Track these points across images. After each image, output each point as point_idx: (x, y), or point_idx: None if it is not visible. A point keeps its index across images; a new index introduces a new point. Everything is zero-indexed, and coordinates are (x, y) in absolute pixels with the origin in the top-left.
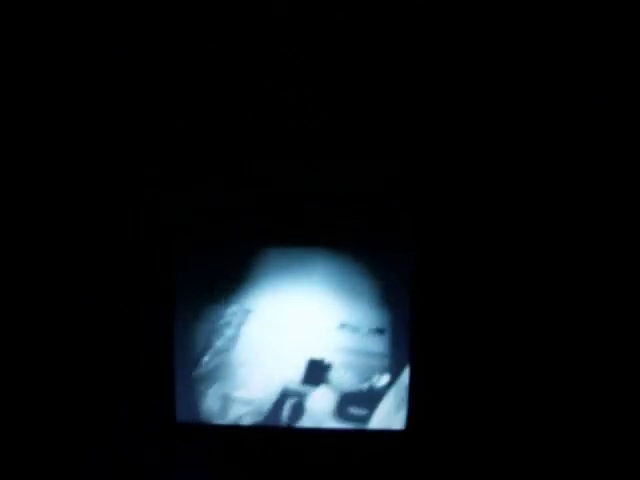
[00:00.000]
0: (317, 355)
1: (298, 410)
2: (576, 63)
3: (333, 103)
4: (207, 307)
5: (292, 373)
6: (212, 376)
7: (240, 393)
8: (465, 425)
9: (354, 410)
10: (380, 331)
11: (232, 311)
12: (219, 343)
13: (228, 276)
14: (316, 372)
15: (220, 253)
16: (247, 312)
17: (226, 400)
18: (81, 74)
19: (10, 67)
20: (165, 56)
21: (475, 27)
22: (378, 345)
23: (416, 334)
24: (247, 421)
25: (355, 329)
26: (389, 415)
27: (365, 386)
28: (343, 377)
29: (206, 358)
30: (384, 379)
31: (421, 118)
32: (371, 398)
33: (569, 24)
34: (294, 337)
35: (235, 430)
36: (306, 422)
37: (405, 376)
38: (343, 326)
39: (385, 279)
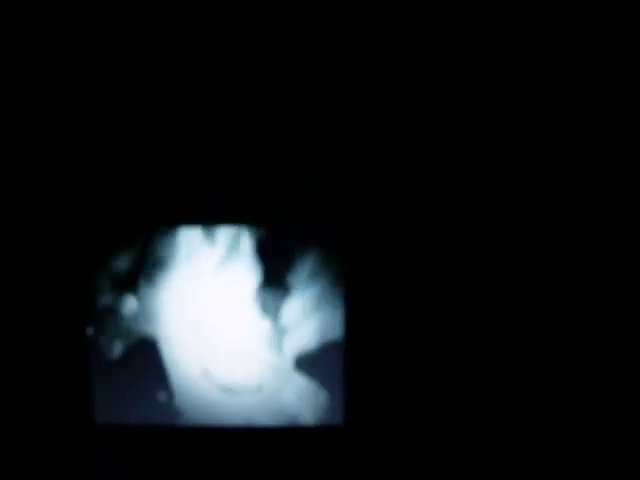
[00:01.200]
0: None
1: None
2: (576, 63)
3: (333, 103)
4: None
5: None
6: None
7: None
8: (404, 419)
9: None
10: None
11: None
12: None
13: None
14: None
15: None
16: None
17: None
18: (81, 74)
19: (9, 67)
20: (165, 56)
21: (475, 27)
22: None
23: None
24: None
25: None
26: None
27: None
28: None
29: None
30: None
31: (412, 120)
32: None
33: (569, 24)
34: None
35: (158, 430)
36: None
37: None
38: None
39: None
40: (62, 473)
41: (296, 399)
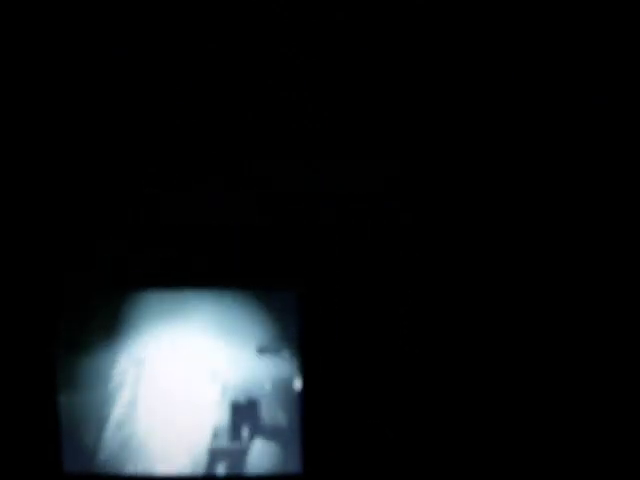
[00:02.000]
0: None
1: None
2: (576, 63)
3: (332, 103)
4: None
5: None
6: (119, 459)
7: (162, 468)
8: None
9: None
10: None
11: (122, 368)
12: (118, 413)
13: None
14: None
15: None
16: (139, 363)
17: None
18: (80, 74)
19: (8, 66)
20: (165, 56)
21: (474, 26)
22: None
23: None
24: None
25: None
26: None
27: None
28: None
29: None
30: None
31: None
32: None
33: (569, 24)
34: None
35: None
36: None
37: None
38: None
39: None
40: None
41: (257, 458)
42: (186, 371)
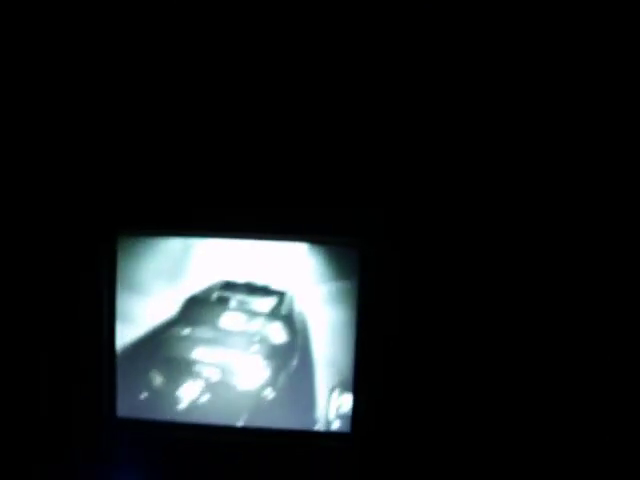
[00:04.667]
0: None
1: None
2: (574, 64)
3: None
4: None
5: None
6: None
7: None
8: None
9: None
10: None
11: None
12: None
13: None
14: None
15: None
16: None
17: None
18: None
19: (7, 66)
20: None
21: (470, 29)
22: None
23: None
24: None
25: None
26: None
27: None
28: None
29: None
30: None
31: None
32: None
33: (568, 24)
34: None
35: (179, 427)
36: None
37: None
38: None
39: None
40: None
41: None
42: (238, 317)
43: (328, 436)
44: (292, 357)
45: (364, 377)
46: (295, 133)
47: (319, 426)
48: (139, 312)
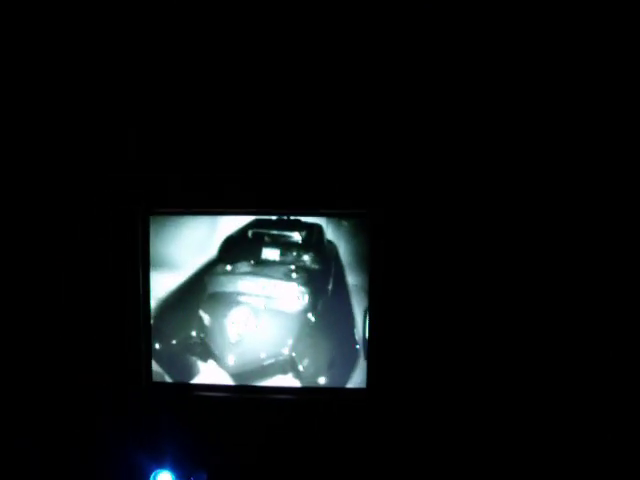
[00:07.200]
0: None
1: None
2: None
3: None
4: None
5: None
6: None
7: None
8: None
9: None
10: None
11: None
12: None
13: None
14: None
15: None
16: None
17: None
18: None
19: (7, 65)
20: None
21: (470, 29)
22: None
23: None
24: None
25: None
26: None
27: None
28: None
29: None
30: None
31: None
32: None
33: (568, 24)
34: None
35: (210, 389)
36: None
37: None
38: None
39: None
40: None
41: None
42: (274, 250)
43: (345, 392)
44: (327, 282)
45: (378, 336)
46: (312, 125)
47: (359, 347)
48: (181, 260)
